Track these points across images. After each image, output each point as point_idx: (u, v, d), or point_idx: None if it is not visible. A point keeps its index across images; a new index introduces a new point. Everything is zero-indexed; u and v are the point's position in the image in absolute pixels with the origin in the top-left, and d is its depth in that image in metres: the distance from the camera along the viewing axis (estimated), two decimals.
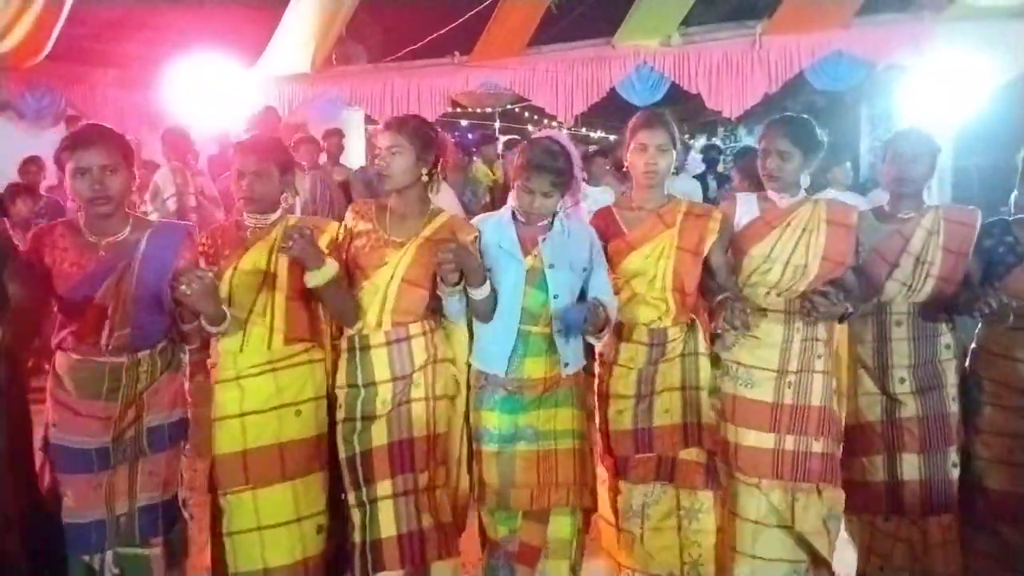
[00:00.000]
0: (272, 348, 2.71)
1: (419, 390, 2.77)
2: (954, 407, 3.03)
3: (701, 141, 16.55)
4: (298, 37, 8.45)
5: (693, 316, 3.02)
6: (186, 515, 2.81)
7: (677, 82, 8.01)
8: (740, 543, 3.01)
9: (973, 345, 3.12)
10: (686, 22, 8.07)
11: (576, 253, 2.82)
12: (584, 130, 18.22)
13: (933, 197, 7.16)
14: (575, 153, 2.81)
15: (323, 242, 2.74)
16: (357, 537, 2.73)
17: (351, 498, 2.75)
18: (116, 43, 9.39)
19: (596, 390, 3.05)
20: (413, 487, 2.74)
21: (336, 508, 2.84)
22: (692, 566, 3.01)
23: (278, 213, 2.80)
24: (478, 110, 13.39)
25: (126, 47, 9.35)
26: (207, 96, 8.12)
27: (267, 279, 2.71)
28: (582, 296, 2.83)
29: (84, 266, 2.57)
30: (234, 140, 2.87)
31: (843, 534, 3.15)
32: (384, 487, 2.71)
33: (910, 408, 3.00)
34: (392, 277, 2.73)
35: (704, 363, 3.01)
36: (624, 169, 3.06)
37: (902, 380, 3.01)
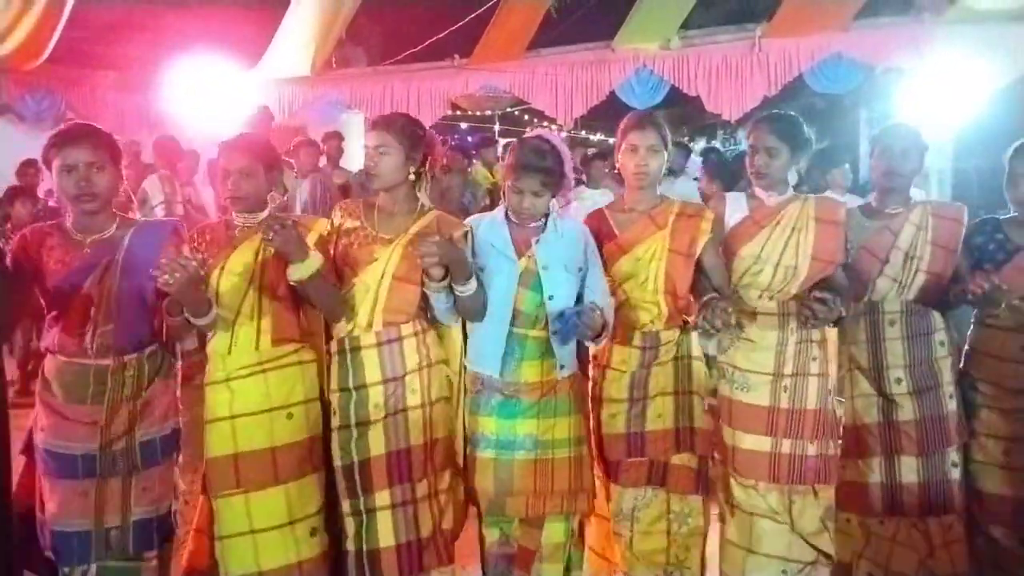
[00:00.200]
0: (260, 349, 2.68)
1: (415, 396, 2.74)
2: (952, 406, 3.00)
3: (701, 144, 16.52)
4: (298, 40, 8.45)
5: (686, 319, 3.01)
6: (177, 530, 2.78)
7: (676, 85, 8.02)
8: (735, 534, 3.02)
9: (966, 347, 3.10)
10: (685, 25, 8.08)
11: (570, 253, 2.81)
12: (584, 133, 18.22)
13: (933, 198, 7.19)
14: (566, 152, 2.80)
15: (311, 240, 2.71)
16: (352, 545, 2.71)
17: (345, 506, 2.73)
18: (116, 46, 9.41)
19: (590, 393, 3.03)
20: (411, 497, 2.72)
21: (330, 510, 2.81)
22: (678, 568, 3.01)
23: (266, 212, 2.77)
24: (478, 113, 13.40)
25: (126, 49, 9.36)
26: (207, 99, 8.12)
27: (254, 279, 2.68)
28: (579, 299, 2.82)
29: (69, 263, 2.57)
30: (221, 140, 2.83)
31: None
32: (383, 497, 2.69)
33: (907, 410, 2.98)
34: (383, 274, 2.71)
35: (697, 367, 3.00)
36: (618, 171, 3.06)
37: (898, 380, 2.99)
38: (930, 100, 7.07)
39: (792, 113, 3.04)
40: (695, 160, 11.28)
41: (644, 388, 2.95)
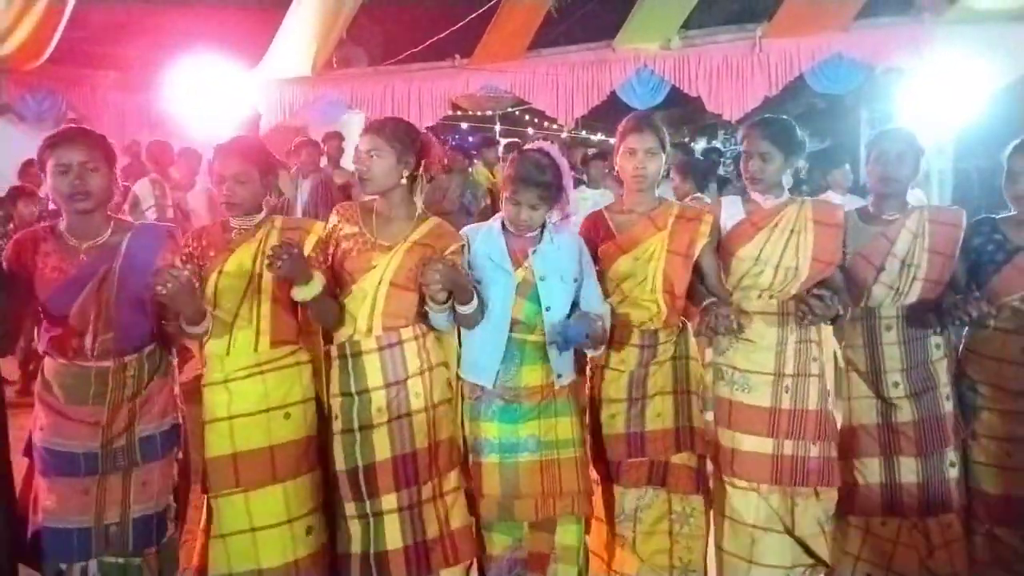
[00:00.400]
0: (259, 351, 2.69)
1: (419, 400, 2.74)
2: (949, 407, 3.00)
3: (701, 144, 16.54)
4: (299, 40, 8.45)
5: (684, 319, 3.02)
6: (171, 527, 2.79)
7: (677, 85, 8.00)
8: (735, 546, 3.00)
9: (962, 347, 3.10)
10: (686, 25, 8.07)
11: (566, 264, 2.82)
12: (584, 133, 18.25)
13: (934, 199, 7.20)
14: (565, 166, 2.81)
15: (310, 243, 2.73)
16: (357, 548, 2.71)
17: (349, 510, 2.72)
18: (117, 46, 9.42)
19: (588, 394, 3.04)
20: (418, 499, 2.73)
21: (324, 509, 2.83)
22: (683, 570, 3.01)
23: (263, 214, 2.78)
24: (478, 113, 13.40)
25: (127, 50, 9.37)
26: (208, 99, 8.12)
27: (252, 281, 2.69)
28: (574, 307, 2.83)
29: (66, 271, 2.57)
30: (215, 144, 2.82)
31: None
32: (389, 501, 2.70)
33: (905, 412, 2.98)
34: (380, 281, 2.71)
35: (695, 366, 3.02)
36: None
37: (896, 384, 2.99)
38: (930, 100, 7.07)
39: (785, 117, 3.05)
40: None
41: (643, 388, 2.96)
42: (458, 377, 2.87)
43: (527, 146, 2.92)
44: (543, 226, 2.83)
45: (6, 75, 8.12)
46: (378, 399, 2.71)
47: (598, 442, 3.01)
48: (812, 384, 2.95)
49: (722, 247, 3.01)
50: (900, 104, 7.45)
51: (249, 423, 2.67)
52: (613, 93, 8.20)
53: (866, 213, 3.11)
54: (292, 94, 8.93)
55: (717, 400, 3.02)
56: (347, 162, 7.97)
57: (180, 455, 2.82)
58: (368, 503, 2.70)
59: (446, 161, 6.79)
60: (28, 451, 2.71)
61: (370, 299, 2.71)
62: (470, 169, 8.09)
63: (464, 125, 16.75)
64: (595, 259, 2.96)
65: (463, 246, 2.79)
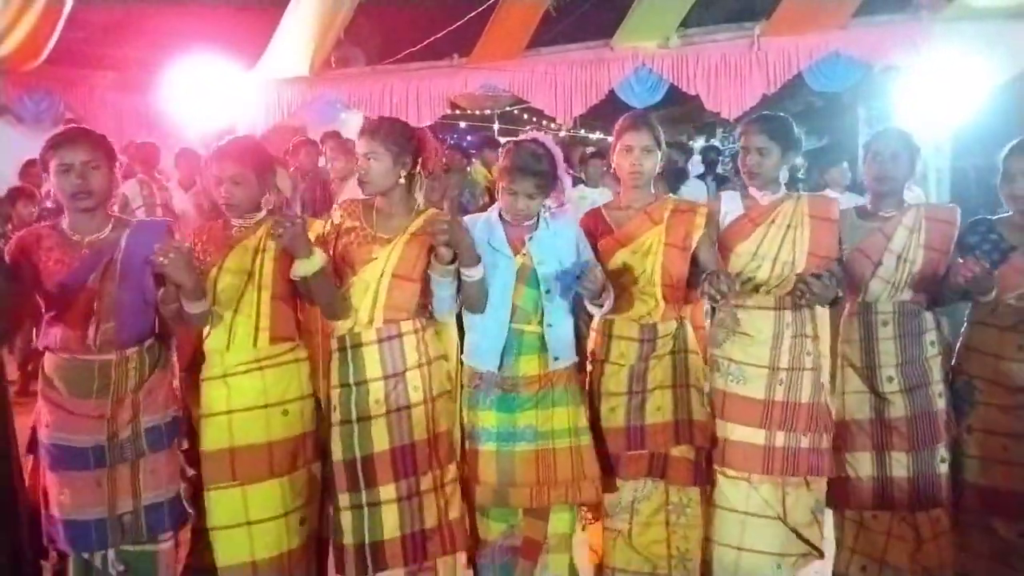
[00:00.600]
0: (258, 347, 2.74)
1: (418, 393, 2.79)
2: (941, 404, 3.05)
3: (700, 142, 16.54)
4: (297, 40, 8.45)
5: (681, 317, 3.07)
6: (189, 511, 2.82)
7: (676, 84, 8.01)
8: (724, 535, 3.06)
9: (959, 344, 3.14)
10: (684, 24, 8.07)
11: (564, 249, 2.89)
12: (583, 132, 18.23)
13: (931, 197, 7.20)
14: (559, 155, 2.88)
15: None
16: (350, 539, 2.75)
17: (344, 500, 2.76)
18: (115, 46, 9.41)
19: (588, 388, 3.08)
20: (416, 490, 2.77)
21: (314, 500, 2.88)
22: (679, 559, 3.06)
23: (263, 213, 2.84)
24: (477, 112, 13.39)
25: (124, 50, 9.36)
26: (206, 99, 8.12)
27: (252, 278, 2.74)
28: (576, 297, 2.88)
29: (68, 263, 2.62)
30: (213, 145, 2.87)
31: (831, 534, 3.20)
32: (388, 491, 2.74)
33: (898, 407, 3.03)
34: (382, 273, 2.76)
35: (694, 360, 3.06)
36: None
37: (890, 379, 3.04)
38: (928, 98, 7.08)
39: (782, 114, 3.12)
40: (696, 160, 11.34)
41: (643, 381, 3.00)
42: (459, 367, 2.93)
43: (521, 137, 2.98)
44: (539, 214, 2.89)
45: (4, 76, 8.10)
46: (376, 391, 2.76)
47: (597, 435, 3.03)
48: (806, 377, 3.01)
49: (720, 243, 3.07)
50: (898, 102, 7.45)
51: (247, 418, 2.71)
52: (611, 92, 8.20)
53: (864, 210, 3.17)
54: (290, 94, 8.93)
55: (712, 391, 3.08)
56: None
57: (186, 446, 2.84)
58: (365, 493, 2.74)
59: (444, 160, 6.79)
60: (29, 448, 2.75)
61: (372, 290, 2.75)
62: (468, 168, 8.09)
63: (463, 124, 16.74)
64: (596, 256, 3.00)
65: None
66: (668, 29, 7.95)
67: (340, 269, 2.80)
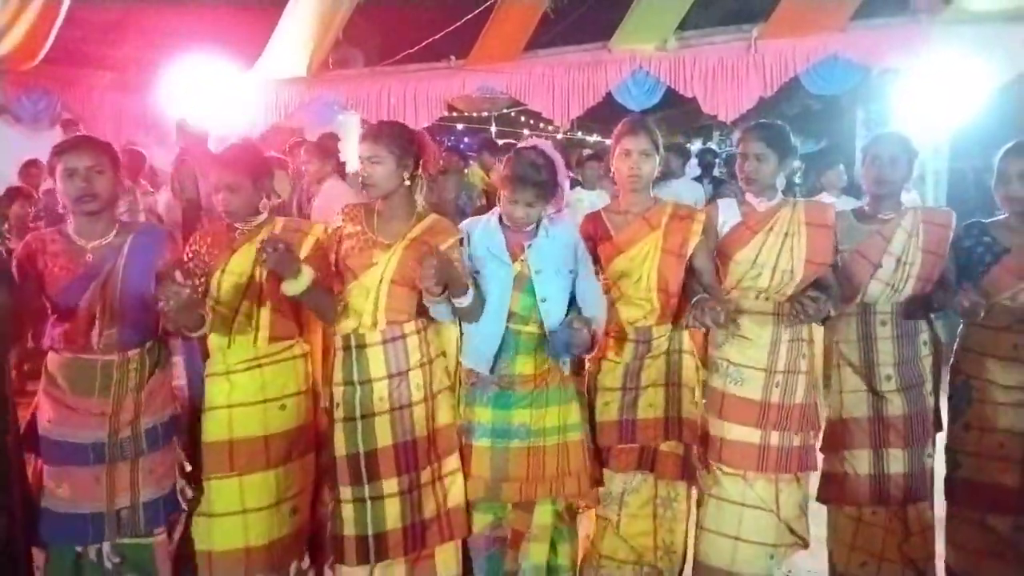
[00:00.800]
0: (258, 345, 2.86)
1: (419, 392, 2.87)
2: (931, 402, 3.16)
3: (697, 145, 16.55)
4: (295, 41, 8.44)
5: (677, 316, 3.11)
6: (183, 504, 2.88)
7: (673, 86, 8.00)
8: (722, 524, 3.12)
9: (957, 345, 3.20)
10: (682, 26, 8.06)
11: (562, 257, 2.93)
12: (580, 134, 18.25)
13: (929, 199, 7.21)
14: (560, 164, 2.92)
15: (308, 244, 2.87)
16: (351, 531, 2.82)
17: (345, 493, 2.84)
18: (113, 46, 9.39)
19: (586, 384, 3.15)
20: (417, 483, 2.85)
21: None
22: (665, 551, 3.15)
23: (264, 215, 2.93)
24: (474, 114, 13.39)
25: (123, 50, 9.34)
26: (204, 99, 8.11)
27: (253, 281, 2.84)
28: (573, 298, 2.93)
29: (73, 270, 2.71)
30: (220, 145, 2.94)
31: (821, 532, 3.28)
32: (391, 485, 2.82)
33: (897, 406, 3.11)
34: (381, 278, 2.82)
35: (687, 361, 3.13)
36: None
37: (888, 378, 3.11)
38: (926, 100, 7.07)
39: (779, 122, 3.18)
40: (693, 163, 11.35)
41: (637, 379, 3.08)
42: (457, 363, 2.99)
43: (521, 144, 3.00)
44: (539, 221, 2.92)
45: (1, 76, 8.08)
46: (380, 389, 2.84)
47: (595, 431, 3.12)
48: (800, 380, 3.09)
49: (720, 251, 3.12)
50: (896, 105, 7.45)
51: (247, 412, 2.84)
52: (609, 94, 8.19)
53: (862, 213, 3.22)
54: (288, 95, 8.90)
55: (711, 391, 3.15)
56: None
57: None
58: (368, 487, 2.82)
59: (441, 163, 6.79)
60: (25, 444, 2.80)
61: (372, 295, 2.82)
62: (465, 170, 8.08)
63: (460, 126, 16.74)
64: (595, 259, 3.07)
65: (461, 239, 2.89)
66: (666, 31, 7.95)
67: (342, 273, 2.87)
